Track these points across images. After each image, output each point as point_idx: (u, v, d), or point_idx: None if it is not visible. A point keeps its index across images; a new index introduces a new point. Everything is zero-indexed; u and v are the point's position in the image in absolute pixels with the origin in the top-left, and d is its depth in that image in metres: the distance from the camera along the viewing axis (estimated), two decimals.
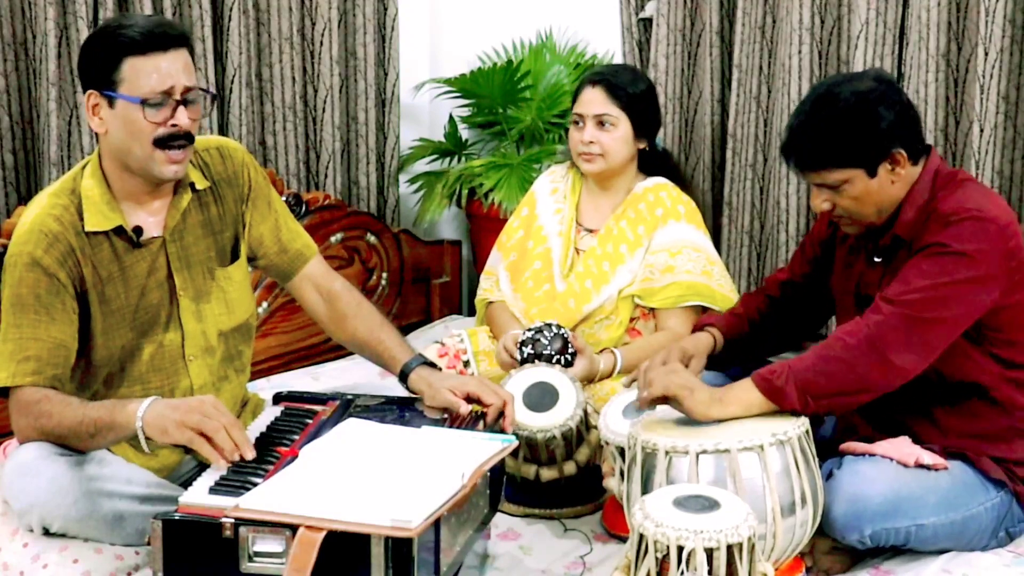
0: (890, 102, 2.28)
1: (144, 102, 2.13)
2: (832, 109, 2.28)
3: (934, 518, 2.27)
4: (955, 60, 3.30)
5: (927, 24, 3.24)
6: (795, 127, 2.33)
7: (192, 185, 2.31)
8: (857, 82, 2.32)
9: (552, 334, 2.73)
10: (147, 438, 2.06)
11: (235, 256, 2.40)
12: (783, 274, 2.71)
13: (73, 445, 2.14)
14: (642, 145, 2.98)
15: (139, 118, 2.14)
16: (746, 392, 2.22)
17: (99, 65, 2.15)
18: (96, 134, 2.23)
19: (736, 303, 2.75)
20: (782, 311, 2.67)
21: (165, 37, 2.15)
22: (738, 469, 2.08)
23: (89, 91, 2.17)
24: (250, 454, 2.02)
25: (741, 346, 2.60)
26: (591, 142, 2.92)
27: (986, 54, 3.16)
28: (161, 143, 2.16)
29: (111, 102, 2.15)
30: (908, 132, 2.31)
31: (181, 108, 2.17)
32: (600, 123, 2.92)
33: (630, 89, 2.93)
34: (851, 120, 2.26)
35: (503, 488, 2.30)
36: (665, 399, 2.28)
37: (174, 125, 2.16)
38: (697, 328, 2.65)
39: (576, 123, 2.96)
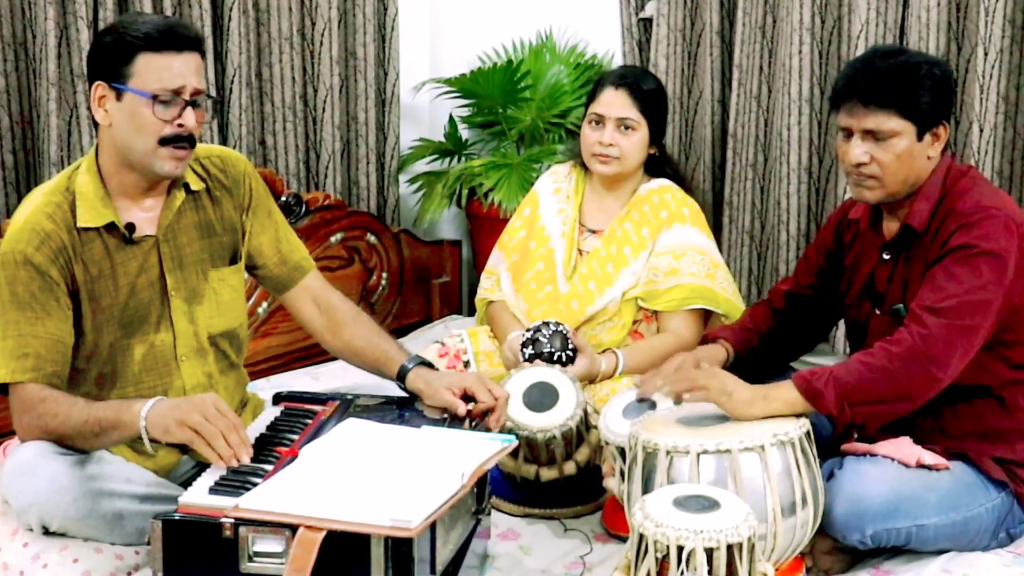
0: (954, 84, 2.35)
1: (155, 98, 2.14)
2: (919, 58, 2.32)
3: (935, 518, 2.27)
4: (955, 60, 3.29)
5: (927, 24, 3.24)
6: (873, 59, 2.33)
7: (187, 186, 2.31)
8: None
9: (551, 332, 2.73)
10: (151, 439, 2.06)
11: (233, 261, 2.40)
12: (787, 284, 2.70)
13: (76, 445, 2.13)
14: (653, 150, 2.98)
15: (147, 113, 2.15)
16: (787, 391, 2.22)
17: (111, 57, 2.15)
18: (96, 130, 2.23)
19: (744, 316, 2.73)
20: (789, 323, 2.67)
21: (181, 38, 2.17)
22: (739, 469, 2.08)
23: (97, 82, 2.18)
24: (246, 458, 2.03)
25: (752, 359, 2.60)
26: (611, 144, 2.91)
27: (986, 54, 3.16)
28: (165, 142, 2.17)
29: (119, 95, 2.16)
30: (949, 120, 2.35)
31: (189, 109, 2.17)
32: (622, 126, 2.91)
33: (652, 95, 2.93)
34: (934, 74, 2.28)
35: (488, 484, 2.28)
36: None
37: (180, 125, 2.17)
38: (709, 339, 2.64)
39: (593, 123, 2.94)
